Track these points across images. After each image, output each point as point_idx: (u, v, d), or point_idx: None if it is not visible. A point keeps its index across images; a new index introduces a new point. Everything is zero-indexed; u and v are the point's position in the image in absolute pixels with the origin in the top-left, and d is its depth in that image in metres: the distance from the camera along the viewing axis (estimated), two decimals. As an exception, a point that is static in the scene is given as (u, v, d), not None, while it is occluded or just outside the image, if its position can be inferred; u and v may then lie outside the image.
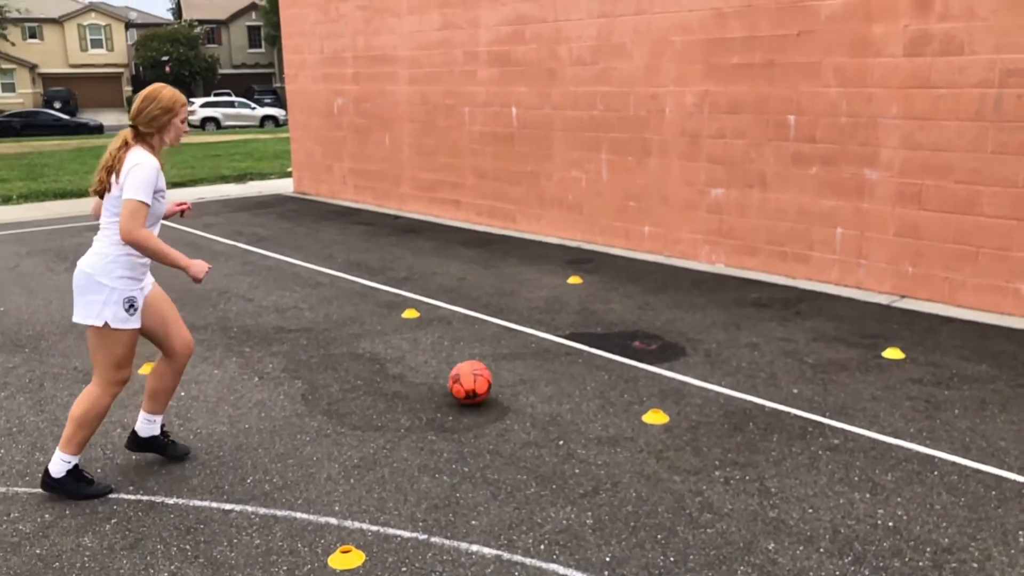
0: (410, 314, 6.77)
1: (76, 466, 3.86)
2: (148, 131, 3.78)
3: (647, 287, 7.57)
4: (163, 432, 4.24)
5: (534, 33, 9.81)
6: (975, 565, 3.23)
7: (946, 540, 3.40)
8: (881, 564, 3.25)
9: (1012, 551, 3.32)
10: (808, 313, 6.65)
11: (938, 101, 6.62)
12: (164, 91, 3.80)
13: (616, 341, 6.02)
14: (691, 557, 3.32)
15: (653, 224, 8.92)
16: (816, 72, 7.32)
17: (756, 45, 7.70)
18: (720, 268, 8.24)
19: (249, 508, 3.76)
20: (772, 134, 7.72)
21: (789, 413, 4.70)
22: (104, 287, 3.69)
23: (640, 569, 3.24)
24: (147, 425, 4.17)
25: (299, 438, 4.49)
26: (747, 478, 3.96)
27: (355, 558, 3.32)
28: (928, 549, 3.34)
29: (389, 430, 4.57)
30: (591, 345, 5.94)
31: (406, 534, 3.52)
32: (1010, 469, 3.99)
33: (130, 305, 3.74)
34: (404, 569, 3.27)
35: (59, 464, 3.83)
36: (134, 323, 3.77)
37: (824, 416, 4.64)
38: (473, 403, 4.83)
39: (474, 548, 3.40)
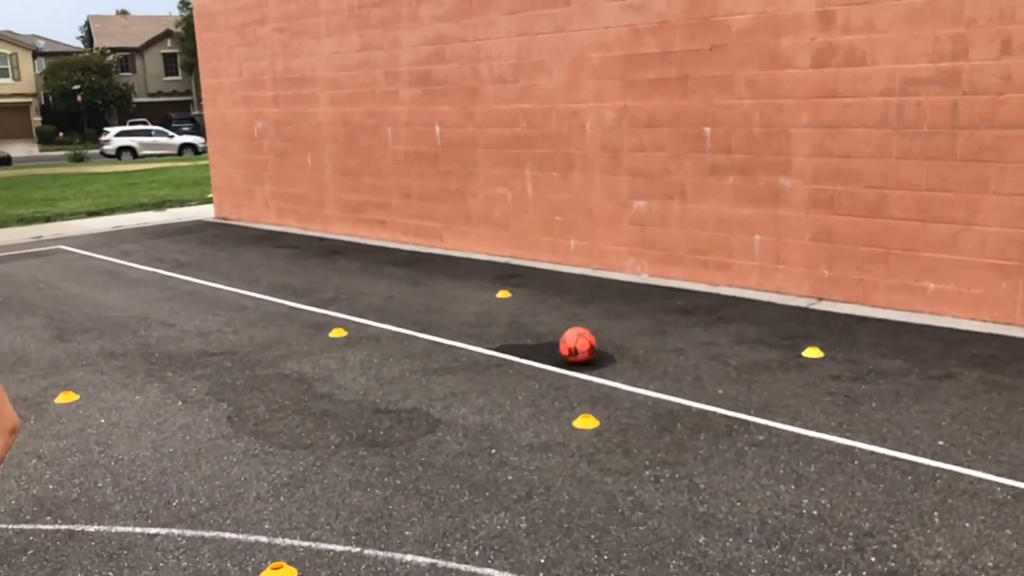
0: (338, 333, 6.70)
1: None
2: None
3: (575, 299, 7.65)
4: None
5: (455, 52, 9.88)
6: (895, 546, 3.35)
7: (867, 524, 3.52)
8: (807, 551, 3.34)
9: (928, 531, 3.45)
10: (731, 318, 6.81)
11: (845, 110, 6.90)
12: None
13: (546, 352, 6.07)
14: (624, 554, 3.35)
15: (579, 238, 9.03)
16: (729, 85, 7.55)
17: (671, 60, 7.91)
18: (645, 278, 8.39)
19: (175, 531, 3.66)
20: (690, 146, 7.92)
21: (715, 413, 4.80)
22: None
23: (575, 569, 3.26)
24: None
25: (226, 459, 4.40)
26: (676, 476, 4.02)
27: (287, 575, 3.26)
28: (851, 534, 3.45)
29: (319, 447, 4.51)
30: (521, 356, 5.97)
31: (339, 548, 3.47)
32: (924, 455, 4.15)
33: None
34: (337, 582, 3.22)
35: None
36: None
37: (749, 414, 4.76)
38: (576, 361, 5.65)
39: (408, 558, 3.38)
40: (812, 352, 5.78)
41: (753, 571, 3.21)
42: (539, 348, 6.16)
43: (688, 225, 8.07)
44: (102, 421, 4.98)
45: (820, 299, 7.28)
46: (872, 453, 4.20)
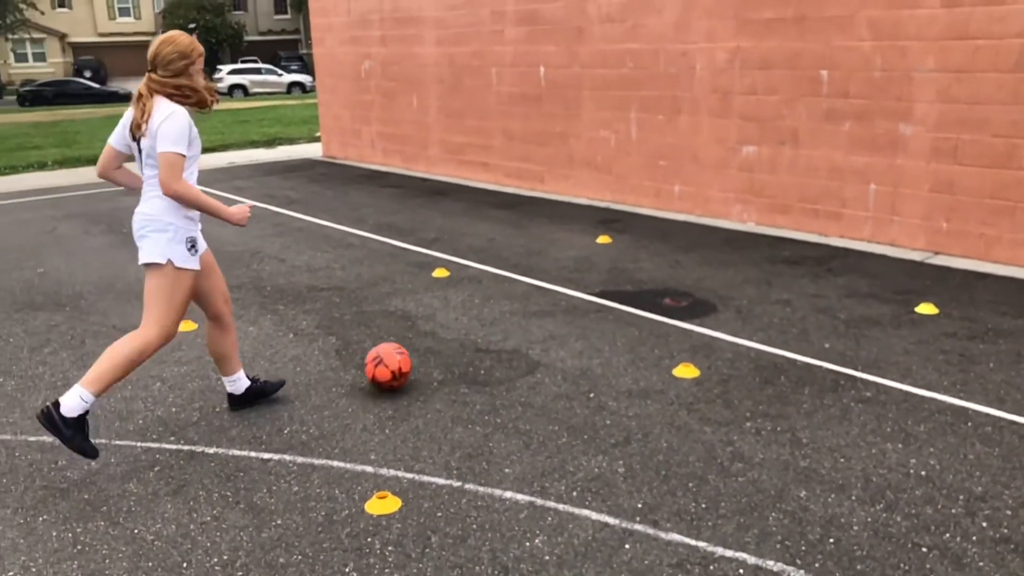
0: (440, 273, 6.82)
1: (87, 412, 3.66)
2: (165, 75, 3.74)
3: (677, 245, 7.55)
4: (253, 379, 4.39)
5: (562, -9, 9.70)
6: (1008, 512, 3.23)
7: (979, 488, 3.41)
8: (913, 511, 3.26)
9: (1046, 499, 3.31)
10: (840, 270, 6.60)
11: (976, 53, 6.48)
12: (182, 36, 3.80)
13: (646, 298, 6.03)
14: (722, 504, 3.35)
15: (683, 183, 8.86)
16: (849, 26, 7.19)
17: (789, 0, 7.57)
18: (751, 226, 8.18)
19: (287, 457, 3.85)
20: (804, 90, 7.61)
21: (821, 367, 4.69)
22: (169, 225, 3.73)
23: (672, 515, 3.28)
24: (236, 384, 4.30)
25: (334, 391, 4.57)
26: (778, 429, 3.97)
27: (391, 504, 3.39)
28: (961, 497, 3.35)
29: (422, 383, 4.63)
30: (621, 302, 5.95)
31: (441, 481, 3.59)
32: (1045, 420, 3.96)
33: (191, 245, 3.81)
34: (439, 514, 3.33)
35: (77, 402, 3.59)
36: (195, 263, 3.83)
37: (856, 370, 4.63)
38: (398, 384, 4.47)
39: (508, 494, 3.46)
40: (926, 308, 5.56)
41: (855, 528, 3.16)
42: (639, 295, 6.12)
43: (799, 172, 7.80)
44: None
45: (936, 253, 6.96)
46: (988, 415, 4.04)
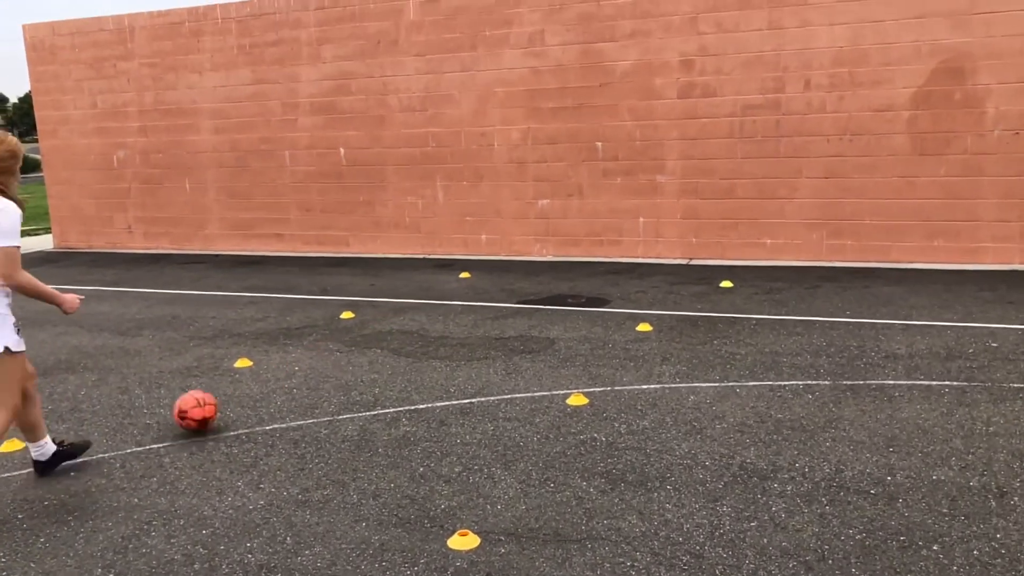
0: (346, 315, 8.49)
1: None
2: None
3: (522, 274, 10.05)
4: (59, 444, 4.55)
5: (361, 86, 11.76)
6: (871, 350, 6.32)
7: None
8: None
9: None
10: (646, 273, 9.66)
11: (703, 127, 10.10)
12: (8, 136, 4.05)
13: (555, 301, 8.44)
14: (751, 371, 5.97)
15: (489, 232, 11.40)
16: (615, 111, 10.45)
17: (567, 94, 10.65)
18: (550, 258, 11.00)
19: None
20: (585, 156, 10.70)
21: (695, 316, 7.56)
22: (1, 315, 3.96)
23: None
24: (42, 450, 4.45)
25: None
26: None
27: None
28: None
29: (496, 358, 6.54)
30: (540, 304, 8.30)
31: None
32: (845, 318, 7.25)
33: (18, 329, 4.07)
34: (623, 400, 5.46)
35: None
36: (24, 344, 4.10)
37: (728, 313, 7.57)
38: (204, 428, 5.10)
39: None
40: (727, 283, 8.79)
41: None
42: (548, 300, 8.52)
43: (586, 215, 10.84)
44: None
45: (691, 259, 10.41)
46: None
